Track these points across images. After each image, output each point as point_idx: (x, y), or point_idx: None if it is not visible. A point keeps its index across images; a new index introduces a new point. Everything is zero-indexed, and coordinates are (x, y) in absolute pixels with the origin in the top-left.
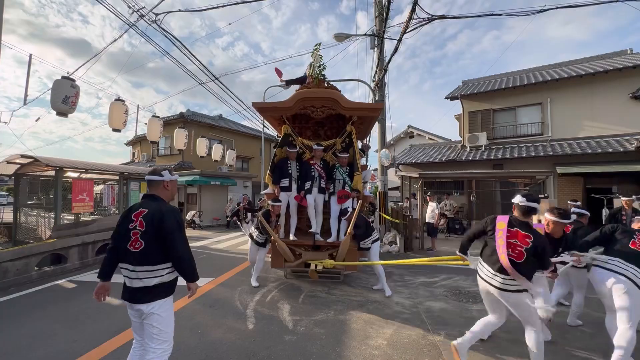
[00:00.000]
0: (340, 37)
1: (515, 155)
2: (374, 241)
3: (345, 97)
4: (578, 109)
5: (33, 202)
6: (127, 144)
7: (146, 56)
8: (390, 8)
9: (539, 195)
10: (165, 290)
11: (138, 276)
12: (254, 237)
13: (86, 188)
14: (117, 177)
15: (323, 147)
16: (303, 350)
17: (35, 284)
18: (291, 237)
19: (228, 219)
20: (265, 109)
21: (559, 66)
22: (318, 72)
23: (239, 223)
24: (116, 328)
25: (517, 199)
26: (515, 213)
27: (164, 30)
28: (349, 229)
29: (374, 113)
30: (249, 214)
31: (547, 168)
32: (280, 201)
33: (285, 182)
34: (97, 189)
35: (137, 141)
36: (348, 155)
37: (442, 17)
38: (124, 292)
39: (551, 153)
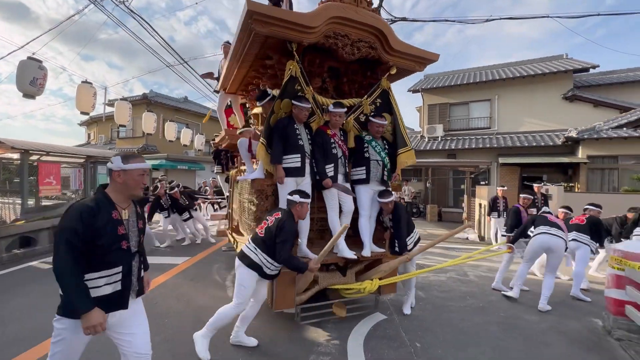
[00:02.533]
0: None
1: (467, 146)
2: (415, 242)
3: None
4: (520, 106)
5: None
6: (81, 125)
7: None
8: None
9: (481, 183)
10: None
11: None
12: (265, 268)
13: (53, 171)
14: (84, 161)
15: (345, 109)
16: (279, 312)
17: (7, 266)
18: (310, 253)
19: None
20: (268, 21)
21: (507, 66)
22: None
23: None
24: None
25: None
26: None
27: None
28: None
29: (421, 67)
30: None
31: (492, 158)
32: (309, 196)
33: (294, 160)
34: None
35: (94, 122)
36: (386, 122)
37: (403, 19)
38: None
39: (496, 145)
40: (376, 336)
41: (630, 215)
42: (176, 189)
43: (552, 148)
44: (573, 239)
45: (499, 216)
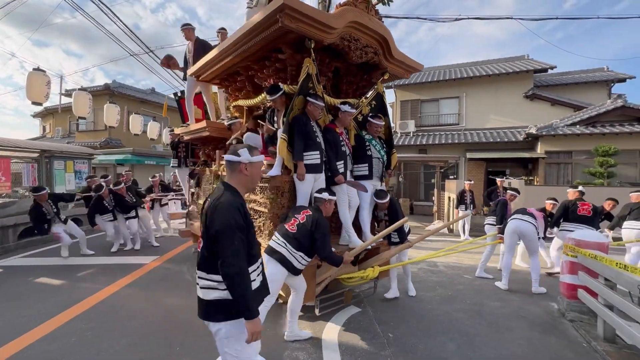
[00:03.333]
0: None
1: (437, 142)
2: (407, 232)
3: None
4: (486, 104)
5: None
6: (35, 116)
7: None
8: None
9: (450, 177)
10: (229, 308)
11: (198, 283)
12: (296, 262)
13: (2, 167)
14: (38, 155)
15: (355, 110)
16: None
17: None
18: (359, 242)
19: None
20: (298, 17)
21: (474, 65)
22: None
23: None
24: (64, 304)
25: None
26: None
27: None
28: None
29: (408, 75)
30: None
31: (460, 153)
32: (335, 194)
33: (314, 157)
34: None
35: (49, 113)
36: (384, 123)
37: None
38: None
39: (464, 141)
40: (350, 329)
41: (607, 204)
42: (123, 184)
43: (514, 144)
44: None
45: (466, 209)
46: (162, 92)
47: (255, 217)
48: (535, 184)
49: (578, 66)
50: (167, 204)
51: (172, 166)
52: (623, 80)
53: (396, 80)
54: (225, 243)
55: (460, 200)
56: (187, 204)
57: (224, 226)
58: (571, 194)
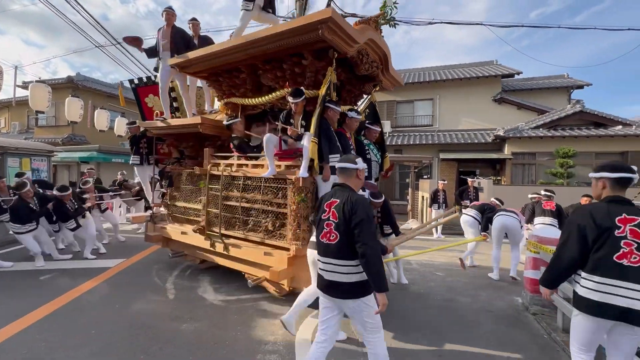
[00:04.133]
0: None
1: (411, 142)
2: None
3: None
4: (458, 106)
5: None
6: None
7: None
8: None
9: (424, 177)
10: (366, 287)
11: (336, 270)
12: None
13: None
14: None
15: (360, 116)
16: (224, 310)
17: None
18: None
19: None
20: (336, 31)
21: (447, 68)
22: (391, 10)
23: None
24: (16, 313)
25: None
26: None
27: None
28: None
29: (392, 88)
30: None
31: (434, 154)
32: (382, 195)
33: (336, 160)
34: None
35: (4, 107)
36: (380, 129)
37: (353, 15)
38: (320, 284)
39: (437, 142)
40: None
41: (583, 200)
42: (67, 191)
43: (484, 145)
44: None
45: (439, 207)
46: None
47: (262, 218)
48: (503, 183)
49: (542, 72)
50: (107, 208)
51: (133, 163)
52: (581, 87)
53: None
54: (367, 230)
55: (434, 199)
56: (152, 205)
57: (366, 216)
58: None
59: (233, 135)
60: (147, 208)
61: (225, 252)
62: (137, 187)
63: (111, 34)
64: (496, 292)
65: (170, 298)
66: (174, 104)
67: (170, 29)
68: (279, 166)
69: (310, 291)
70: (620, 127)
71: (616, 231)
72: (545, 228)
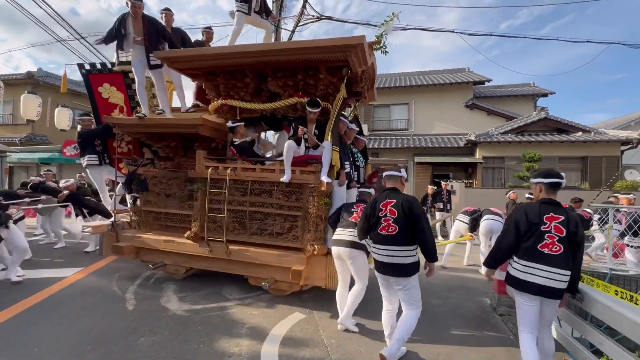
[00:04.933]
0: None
1: (388, 146)
2: None
3: None
4: (432, 111)
5: None
6: None
7: None
8: None
9: None
10: (417, 267)
11: (396, 254)
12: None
13: None
14: None
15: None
16: (187, 320)
17: None
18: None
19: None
20: (360, 55)
21: (422, 74)
22: (383, 44)
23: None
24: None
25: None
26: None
27: None
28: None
29: (367, 103)
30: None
31: (409, 157)
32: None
33: (348, 166)
34: None
35: None
36: (365, 140)
37: (329, 18)
38: (380, 267)
39: (412, 145)
40: (293, 338)
41: (575, 205)
42: None
43: (457, 149)
44: None
45: (443, 208)
46: None
47: (274, 221)
48: (474, 186)
49: (510, 81)
50: (23, 217)
51: (90, 164)
52: (546, 95)
53: None
54: (425, 221)
55: (435, 199)
56: (113, 211)
57: (421, 210)
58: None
59: (235, 138)
60: (86, 215)
61: (227, 257)
62: (67, 192)
63: (71, 26)
64: (467, 293)
65: (129, 309)
66: (135, 98)
67: (142, 20)
68: (294, 171)
69: (356, 291)
70: (580, 133)
71: (542, 226)
72: None
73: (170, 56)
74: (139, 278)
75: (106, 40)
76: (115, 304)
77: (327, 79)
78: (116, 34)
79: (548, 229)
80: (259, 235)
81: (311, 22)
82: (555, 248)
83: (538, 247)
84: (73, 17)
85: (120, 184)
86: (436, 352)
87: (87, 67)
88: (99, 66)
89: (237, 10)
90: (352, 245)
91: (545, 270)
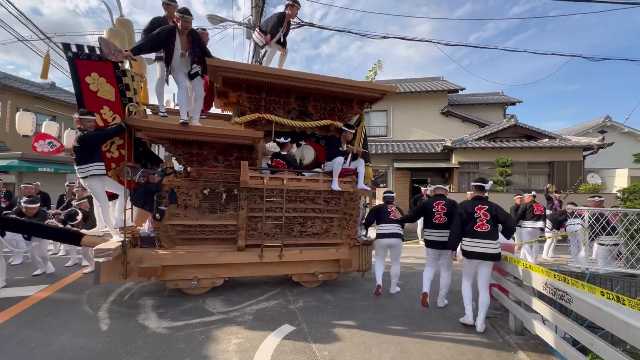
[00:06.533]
0: (215, 20)
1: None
2: None
3: None
4: (410, 118)
5: None
6: None
7: None
8: (265, 2)
9: (381, 185)
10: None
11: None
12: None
13: None
14: None
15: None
16: (169, 339)
17: None
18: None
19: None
20: (387, 94)
21: (400, 82)
22: (375, 74)
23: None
24: None
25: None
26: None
27: None
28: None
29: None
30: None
31: (389, 163)
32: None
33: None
34: None
35: None
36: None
37: (311, 24)
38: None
39: (391, 151)
40: (284, 351)
41: (571, 206)
42: None
43: (434, 155)
44: None
45: None
46: (65, 87)
47: (315, 224)
48: (451, 191)
49: (480, 90)
50: None
51: (96, 174)
52: (514, 103)
53: None
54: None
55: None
56: (124, 228)
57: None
58: (527, 197)
59: (282, 152)
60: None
61: (279, 260)
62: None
63: (35, 24)
64: (453, 297)
65: (103, 329)
66: (127, 94)
67: (190, 37)
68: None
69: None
70: (547, 140)
71: (475, 214)
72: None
73: (219, 65)
74: (112, 294)
75: (143, 50)
76: (86, 324)
77: (356, 107)
78: (160, 47)
79: (478, 215)
80: (299, 237)
81: (293, 28)
82: (485, 227)
83: (474, 227)
84: (36, 16)
85: (138, 197)
86: (425, 353)
87: (74, 48)
88: (87, 50)
89: (262, 43)
90: (397, 236)
91: (480, 243)
